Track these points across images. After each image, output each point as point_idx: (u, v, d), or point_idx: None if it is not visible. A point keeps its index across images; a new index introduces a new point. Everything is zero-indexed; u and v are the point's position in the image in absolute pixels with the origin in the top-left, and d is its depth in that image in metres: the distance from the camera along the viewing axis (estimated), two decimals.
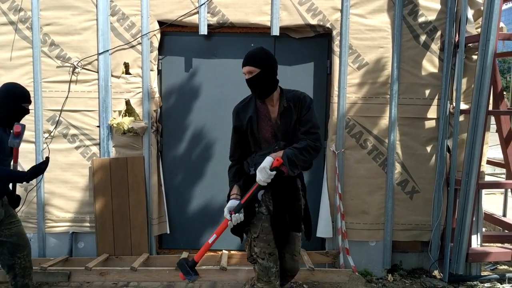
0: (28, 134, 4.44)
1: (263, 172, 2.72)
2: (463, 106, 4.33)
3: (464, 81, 4.34)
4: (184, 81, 4.61)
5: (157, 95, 4.49)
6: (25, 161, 4.47)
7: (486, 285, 4.40)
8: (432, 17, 4.34)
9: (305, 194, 3.12)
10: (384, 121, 4.42)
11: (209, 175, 4.71)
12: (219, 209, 4.69)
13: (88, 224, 4.54)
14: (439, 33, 4.36)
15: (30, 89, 4.38)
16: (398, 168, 4.46)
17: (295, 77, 4.56)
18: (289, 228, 3.00)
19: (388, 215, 4.47)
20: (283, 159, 2.74)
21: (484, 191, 4.68)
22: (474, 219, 4.28)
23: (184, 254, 4.47)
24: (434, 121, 4.42)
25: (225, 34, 4.52)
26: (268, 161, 2.74)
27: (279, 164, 2.74)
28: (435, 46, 4.36)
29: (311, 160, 2.91)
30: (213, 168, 4.69)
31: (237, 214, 2.80)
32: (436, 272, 4.53)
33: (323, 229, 4.51)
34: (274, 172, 2.74)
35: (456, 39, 4.33)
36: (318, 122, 2.95)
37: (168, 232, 4.65)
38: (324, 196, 4.51)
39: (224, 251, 4.61)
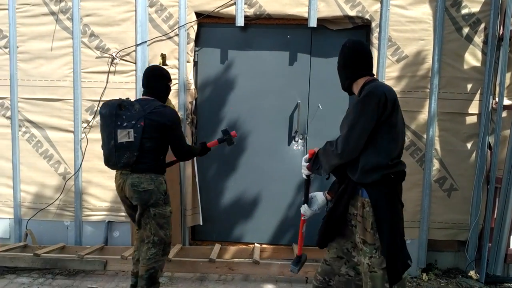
0: (67, 124, 4.56)
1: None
2: (507, 101, 4.19)
3: (508, 75, 4.19)
4: (219, 73, 4.61)
5: (192, 86, 4.51)
6: (64, 150, 4.59)
7: None
8: (475, 9, 4.21)
9: (378, 213, 2.45)
10: (423, 116, 4.32)
11: (242, 167, 4.70)
12: (252, 202, 4.69)
13: (123, 214, 4.56)
14: (482, 25, 4.22)
15: (69, 79, 4.52)
16: (436, 164, 4.35)
17: (331, 70, 4.44)
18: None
19: (425, 213, 4.37)
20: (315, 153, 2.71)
21: None
22: None
23: (217, 246, 4.47)
24: (475, 116, 4.29)
25: (262, 25, 4.50)
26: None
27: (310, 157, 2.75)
28: (478, 39, 4.23)
29: (330, 164, 2.59)
30: (246, 161, 4.68)
31: (303, 205, 2.85)
32: (472, 273, 4.39)
33: None
34: (306, 164, 2.76)
35: (501, 32, 4.17)
36: (357, 122, 2.46)
37: (201, 223, 4.66)
38: None
39: (256, 244, 4.61)
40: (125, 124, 3.12)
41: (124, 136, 3.11)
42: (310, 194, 2.86)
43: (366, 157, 2.47)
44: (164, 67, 4.42)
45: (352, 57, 2.68)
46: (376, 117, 2.43)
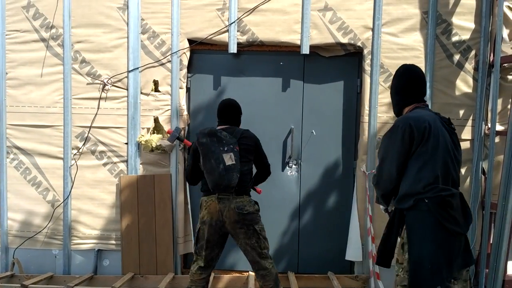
0: (56, 150, 4.49)
1: None
2: (499, 127, 4.20)
3: (499, 101, 4.21)
4: (212, 99, 4.58)
5: (185, 112, 4.48)
6: (53, 177, 4.51)
7: None
8: (466, 36, 4.26)
9: (409, 236, 2.56)
10: None
11: None
12: None
13: (113, 242, 4.50)
14: (473, 52, 4.27)
15: (59, 105, 4.47)
16: None
17: (324, 96, 4.51)
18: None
19: None
20: None
21: None
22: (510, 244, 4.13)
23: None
24: (468, 142, 4.30)
25: (254, 52, 4.50)
26: None
27: None
28: (469, 66, 4.27)
29: (379, 196, 2.79)
30: None
31: None
32: None
33: (353, 252, 4.40)
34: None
35: (491, 59, 4.22)
36: (387, 155, 2.65)
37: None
38: (354, 218, 4.40)
39: (250, 272, 4.50)
40: (226, 149, 3.33)
41: (229, 159, 3.32)
42: None
43: (401, 184, 2.60)
44: (156, 93, 4.43)
45: (403, 85, 2.77)
46: (403, 149, 2.55)
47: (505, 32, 4.18)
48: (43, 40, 4.46)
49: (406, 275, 2.56)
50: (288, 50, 4.44)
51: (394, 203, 2.67)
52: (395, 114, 2.87)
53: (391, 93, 2.90)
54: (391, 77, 4.19)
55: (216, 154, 3.30)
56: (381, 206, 2.93)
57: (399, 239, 2.67)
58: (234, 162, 3.31)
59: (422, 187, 2.50)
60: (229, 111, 3.61)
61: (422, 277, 2.48)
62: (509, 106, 4.08)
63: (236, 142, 3.38)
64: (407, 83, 2.75)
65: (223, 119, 3.60)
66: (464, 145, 4.29)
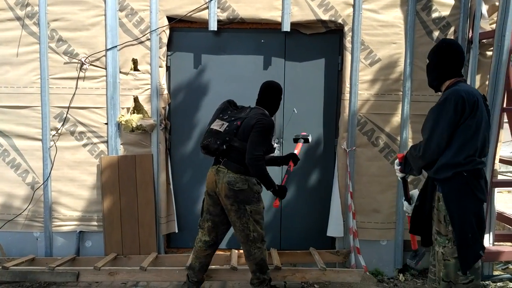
0: (34, 132, 4.41)
1: None
2: None
3: (478, 77, 4.27)
4: (193, 77, 4.55)
5: (165, 92, 4.43)
6: (32, 158, 4.44)
7: (498, 284, 4.34)
8: (445, 12, 4.27)
9: (448, 207, 2.68)
10: (397, 119, 4.36)
11: None
12: None
13: (95, 223, 4.48)
14: (452, 29, 4.29)
15: (36, 85, 4.38)
16: None
17: (305, 74, 4.51)
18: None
19: (400, 214, 4.40)
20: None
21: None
22: (486, 218, 4.22)
23: None
24: None
25: (235, 30, 4.45)
26: None
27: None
28: None
29: (417, 167, 2.85)
30: None
31: (404, 202, 3.13)
32: None
33: (334, 228, 4.46)
34: (398, 167, 3.05)
35: (470, 35, 4.26)
36: (436, 126, 2.68)
37: (177, 231, 4.59)
38: (335, 195, 4.45)
39: (233, 250, 4.55)
40: (225, 118, 3.46)
41: (217, 125, 3.43)
42: (410, 192, 3.11)
43: (442, 155, 2.69)
44: (135, 72, 4.37)
45: (445, 59, 2.83)
46: (455, 120, 2.63)
47: (484, 8, 4.21)
48: (18, 18, 4.33)
49: (453, 246, 2.67)
50: (269, 28, 4.41)
51: (431, 174, 2.76)
52: (434, 88, 2.94)
53: (430, 66, 2.91)
54: (372, 54, 4.30)
55: (213, 118, 3.50)
56: (399, 174, 3.04)
57: (435, 211, 2.79)
58: (220, 130, 3.38)
59: (463, 158, 2.63)
60: (263, 92, 3.64)
61: (467, 246, 2.64)
62: (487, 82, 4.13)
63: (242, 118, 3.41)
64: (450, 58, 2.82)
65: (257, 99, 3.65)
66: None
